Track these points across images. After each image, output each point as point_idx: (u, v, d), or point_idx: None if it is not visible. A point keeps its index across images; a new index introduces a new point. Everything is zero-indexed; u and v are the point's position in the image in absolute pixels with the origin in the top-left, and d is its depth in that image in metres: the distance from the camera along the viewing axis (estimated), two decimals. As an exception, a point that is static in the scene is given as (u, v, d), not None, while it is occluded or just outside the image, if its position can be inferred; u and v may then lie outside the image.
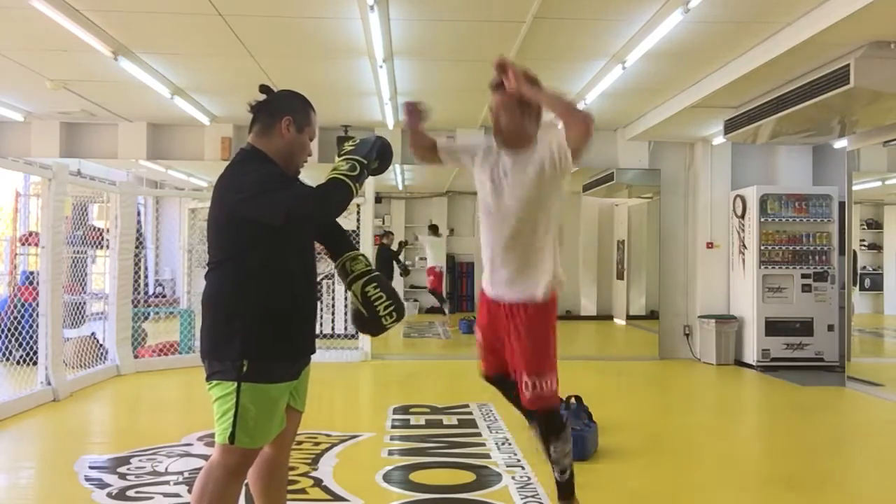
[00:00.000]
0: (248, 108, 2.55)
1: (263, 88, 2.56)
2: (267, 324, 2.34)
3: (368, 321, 2.53)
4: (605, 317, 11.51)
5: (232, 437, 2.32)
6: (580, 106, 2.65)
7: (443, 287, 12.20)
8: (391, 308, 2.51)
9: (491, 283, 3.03)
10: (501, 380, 3.16)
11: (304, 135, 2.49)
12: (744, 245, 8.40)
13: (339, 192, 2.34)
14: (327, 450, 4.39)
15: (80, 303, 7.28)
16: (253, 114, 2.53)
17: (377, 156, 2.48)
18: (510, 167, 2.89)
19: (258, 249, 2.33)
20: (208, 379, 2.38)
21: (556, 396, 3.09)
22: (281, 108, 2.48)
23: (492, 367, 3.15)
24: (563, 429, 3.13)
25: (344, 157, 2.41)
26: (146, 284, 11.23)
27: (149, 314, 9.09)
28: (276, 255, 2.36)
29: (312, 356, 2.56)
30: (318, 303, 2.53)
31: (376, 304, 2.50)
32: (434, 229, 12.30)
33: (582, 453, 4.24)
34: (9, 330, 6.27)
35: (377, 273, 2.60)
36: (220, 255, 2.41)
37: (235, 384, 2.30)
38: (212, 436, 4.89)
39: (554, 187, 2.89)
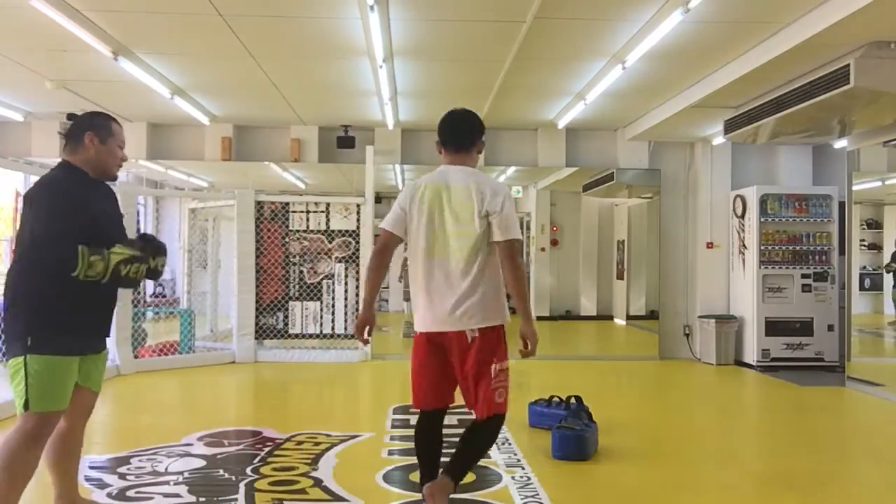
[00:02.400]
0: (59, 135, 3.01)
1: (69, 115, 3.03)
2: (51, 306, 2.77)
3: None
4: (605, 317, 11.49)
5: (27, 404, 2.72)
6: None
7: None
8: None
9: None
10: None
11: (108, 145, 2.99)
12: (744, 245, 8.40)
13: (62, 268, 2.70)
14: (327, 450, 4.39)
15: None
16: (64, 137, 2.99)
17: (112, 280, 2.83)
18: None
19: (46, 247, 2.73)
20: (6, 357, 2.80)
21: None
22: (84, 126, 2.97)
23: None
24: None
25: (105, 264, 2.77)
26: (146, 284, 11.22)
27: (149, 314, 9.08)
28: (62, 251, 2.72)
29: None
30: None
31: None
32: None
33: (582, 453, 4.25)
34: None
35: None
36: (20, 252, 2.86)
37: (23, 357, 2.73)
38: (212, 436, 4.91)
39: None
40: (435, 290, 3.05)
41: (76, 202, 2.81)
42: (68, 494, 3.06)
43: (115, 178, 3.08)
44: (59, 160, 2.99)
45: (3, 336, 2.88)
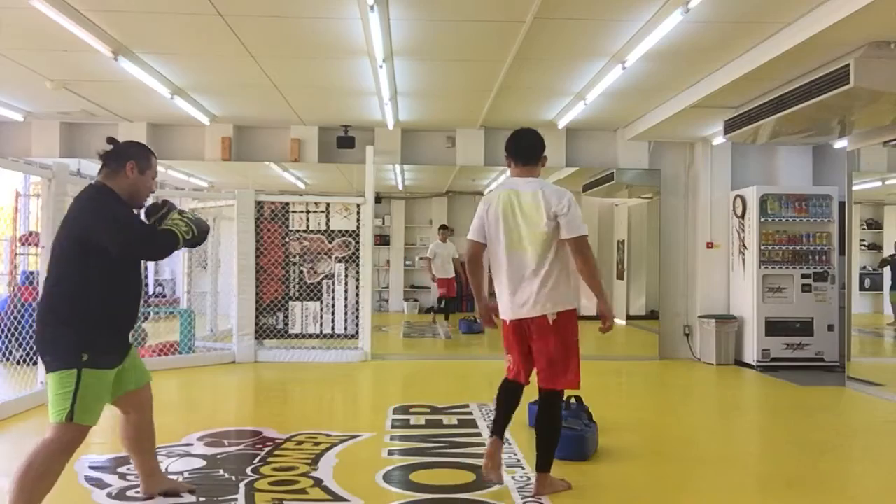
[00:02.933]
0: (97, 156, 3.15)
1: (110, 140, 3.17)
2: (102, 323, 2.94)
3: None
4: (605, 317, 11.49)
5: (71, 416, 2.84)
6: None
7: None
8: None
9: None
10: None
11: (146, 176, 3.17)
12: (744, 245, 8.41)
13: (170, 244, 3.04)
14: (327, 450, 4.40)
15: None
16: (102, 160, 3.12)
17: (199, 235, 3.16)
18: None
19: (99, 266, 2.91)
20: (50, 370, 2.89)
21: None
22: (126, 155, 3.12)
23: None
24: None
25: (186, 221, 3.12)
26: (146, 284, 11.22)
27: (149, 314, 9.09)
28: (114, 269, 2.97)
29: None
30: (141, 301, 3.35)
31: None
32: (445, 231, 11.48)
33: (582, 453, 4.25)
34: (9, 330, 6.26)
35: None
36: (62, 268, 2.94)
37: (76, 371, 2.85)
38: (212, 436, 4.91)
39: None
40: (515, 283, 3.57)
41: (127, 216, 3.04)
42: (156, 470, 3.54)
43: (142, 207, 3.25)
44: (94, 181, 3.12)
45: (43, 343, 2.97)
